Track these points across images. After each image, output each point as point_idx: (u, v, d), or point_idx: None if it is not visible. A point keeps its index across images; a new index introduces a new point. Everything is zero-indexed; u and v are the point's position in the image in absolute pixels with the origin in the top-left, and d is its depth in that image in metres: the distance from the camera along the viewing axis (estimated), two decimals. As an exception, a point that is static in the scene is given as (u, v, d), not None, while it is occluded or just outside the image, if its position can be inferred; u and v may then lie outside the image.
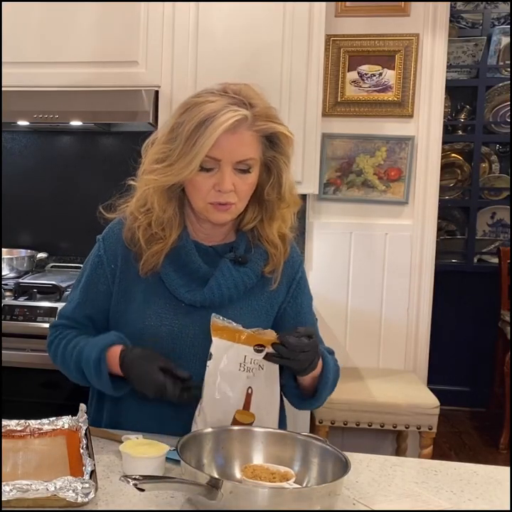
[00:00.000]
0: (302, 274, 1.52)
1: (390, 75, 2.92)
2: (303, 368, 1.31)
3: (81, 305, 1.49)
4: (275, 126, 1.34)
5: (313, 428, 2.61)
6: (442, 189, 3.72)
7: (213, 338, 1.31)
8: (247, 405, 1.29)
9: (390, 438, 3.00)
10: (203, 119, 1.28)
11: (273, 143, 1.35)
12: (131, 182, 1.45)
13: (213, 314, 1.33)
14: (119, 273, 1.45)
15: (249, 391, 1.29)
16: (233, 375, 1.29)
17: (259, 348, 1.29)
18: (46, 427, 1.34)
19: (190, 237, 1.42)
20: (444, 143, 3.15)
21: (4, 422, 1.33)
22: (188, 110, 1.32)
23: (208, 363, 1.30)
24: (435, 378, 3.21)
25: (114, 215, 1.48)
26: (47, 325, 2.32)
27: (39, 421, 1.35)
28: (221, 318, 1.32)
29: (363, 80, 2.94)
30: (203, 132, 1.27)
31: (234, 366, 1.29)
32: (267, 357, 1.29)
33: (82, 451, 1.22)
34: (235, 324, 1.31)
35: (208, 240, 1.45)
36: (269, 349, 1.29)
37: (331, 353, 1.51)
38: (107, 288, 1.47)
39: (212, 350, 1.30)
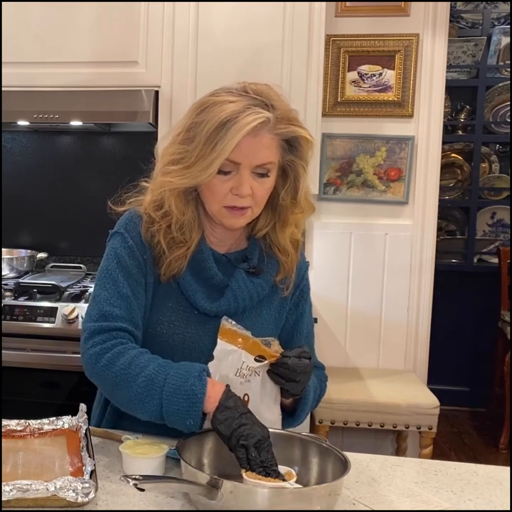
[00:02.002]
0: (306, 282, 1.50)
1: (390, 75, 2.92)
2: (300, 390, 1.31)
3: (130, 301, 1.33)
4: (297, 129, 1.29)
5: (313, 428, 2.61)
6: (442, 189, 3.72)
7: (218, 341, 1.30)
8: None
9: (390, 438, 3.00)
10: (224, 120, 1.23)
11: (292, 146, 1.31)
12: (144, 183, 1.41)
13: (224, 317, 1.31)
14: (146, 268, 1.36)
15: (246, 398, 1.28)
16: (229, 380, 1.28)
17: (259, 358, 1.28)
18: (46, 427, 1.34)
19: (207, 243, 1.39)
20: (444, 143, 3.16)
21: (4, 422, 1.33)
22: (207, 110, 1.27)
23: (209, 364, 1.29)
24: (435, 378, 3.21)
25: (124, 208, 1.41)
26: (47, 325, 2.33)
27: (39, 421, 1.35)
28: (231, 322, 1.31)
29: (363, 80, 2.94)
30: (225, 134, 1.22)
31: (230, 371, 1.28)
32: (270, 375, 1.29)
33: (82, 451, 1.22)
34: (244, 330, 1.30)
35: (220, 245, 1.41)
36: (270, 360, 1.28)
37: (322, 368, 1.50)
38: (143, 281, 1.35)
39: (215, 352, 1.30)
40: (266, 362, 1.28)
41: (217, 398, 1.17)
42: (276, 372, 1.27)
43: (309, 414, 2.52)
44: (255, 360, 1.28)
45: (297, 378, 1.26)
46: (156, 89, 2.53)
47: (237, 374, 1.28)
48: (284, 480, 1.11)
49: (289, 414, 1.39)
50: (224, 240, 1.42)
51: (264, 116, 1.24)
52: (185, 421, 1.18)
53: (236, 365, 1.28)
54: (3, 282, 2.55)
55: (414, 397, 2.67)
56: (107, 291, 1.33)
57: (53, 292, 2.46)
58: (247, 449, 1.11)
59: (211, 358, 1.30)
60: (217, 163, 1.24)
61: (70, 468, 1.19)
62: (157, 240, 1.35)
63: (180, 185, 1.30)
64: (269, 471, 1.11)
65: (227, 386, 1.20)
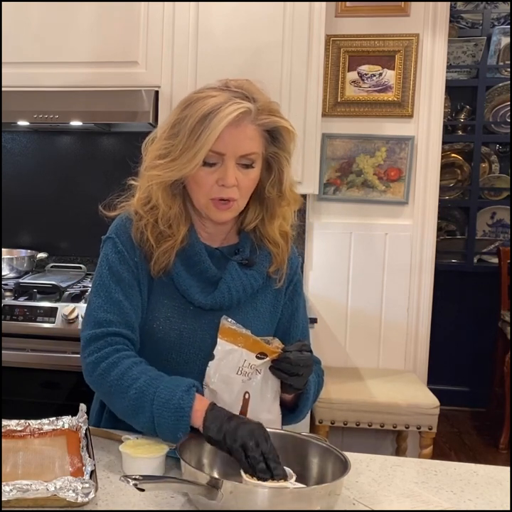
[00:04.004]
0: (299, 277, 1.53)
1: (390, 75, 2.92)
2: (303, 384, 1.31)
3: (123, 305, 1.35)
4: (278, 120, 1.32)
5: (313, 428, 2.61)
6: (442, 189, 3.72)
7: (219, 340, 1.30)
8: (244, 410, 1.29)
9: (390, 438, 3.00)
10: (206, 112, 1.26)
11: (275, 138, 1.34)
12: (132, 181, 1.43)
13: (224, 316, 1.32)
14: (137, 270, 1.39)
15: (247, 396, 1.29)
16: (229, 379, 1.29)
17: (261, 355, 1.28)
18: (46, 427, 1.34)
19: (199, 238, 1.41)
20: (444, 143, 3.16)
21: (4, 422, 1.33)
22: (190, 105, 1.30)
23: (210, 363, 1.30)
24: (435, 378, 3.21)
25: (115, 213, 1.44)
26: (47, 325, 2.33)
27: (39, 421, 1.35)
28: (231, 321, 1.31)
29: (363, 80, 2.94)
30: (208, 125, 1.25)
31: (231, 370, 1.29)
32: (272, 371, 1.29)
33: (82, 451, 1.22)
34: (244, 329, 1.30)
35: (212, 240, 1.43)
36: (272, 357, 1.28)
37: (318, 362, 1.50)
38: (136, 283, 1.38)
39: (215, 351, 1.30)
40: (267, 359, 1.28)
41: (204, 411, 1.18)
42: (279, 367, 1.28)
43: (309, 414, 2.53)
44: (257, 357, 1.28)
45: (300, 372, 1.27)
46: (156, 89, 2.53)
47: (239, 372, 1.29)
48: (285, 478, 1.10)
49: (291, 411, 1.40)
50: (215, 234, 1.43)
51: (245, 106, 1.27)
52: (176, 434, 1.20)
53: (237, 364, 1.29)
54: (3, 282, 2.55)
55: (414, 397, 2.67)
56: (101, 298, 1.36)
57: (53, 292, 2.46)
58: (244, 446, 1.10)
59: (211, 356, 1.31)
60: (202, 153, 1.27)
61: (70, 469, 1.19)
62: (146, 236, 1.37)
63: (167, 178, 1.32)
64: (270, 462, 1.09)
65: (212, 401, 1.22)
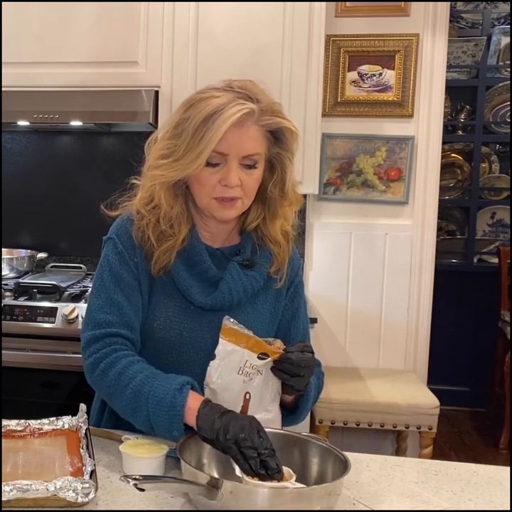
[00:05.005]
0: (300, 278, 1.53)
1: (390, 75, 2.92)
2: (304, 385, 1.31)
3: (122, 305, 1.36)
4: (281, 121, 1.33)
5: (313, 428, 2.61)
6: (442, 189, 3.72)
7: (220, 340, 1.30)
8: (244, 410, 1.29)
9: (390, 438, 3.00)
10: (210, 113, 1.26)
11: (278, 139, 1.34)
12: (135, 180, 1.43)
13: (226, 316, 1.32)
14: (138, 270, 1.39)
15: (247, 397, 1.29)
16: (231, 379, 1.29)
17: (262, 356, 1.28)
18: (46, 427, 1.34)
19: (201, 238, 1.41)
20: (444, 143, 3.16)
21: (4, 422, 1.33)
22: (193, 106, 1.30)
23: (211, 363, 1.30)
24: (435, 378, 3.21)
25: (117, 213, 1.44)
26: (47, 325, 2.33)
27: (39, 421, 1.35)
28: (233, 321, 1.31)
29: (363, 80, 2.94)
30: (211, 126, 1.26)
31: (233, 370, 1.29)
32: (273, 371, 1.29)
33: (82, 451, 1.23)
34: (245, 329, 1.30)
35: (213, 240, 1.43)
36: (273, 357, 1.28)
37: (318, 364, 1.49)
38: (136, 283, 1.38)
39: (216, 351, 1.30)
40: (269, 359, 1.28)
41: (197, 409, 1.18)
42: (280, 368, 1.28)
43: (309, 414, 2.52)
44: (258, 357, 1.28)
45: (301, 372, 1.27)
46: (156, 89, 2.53)
47: (240, 372, 1.29)
48: (280, 472, 1.09)
49: (291, 412, 1.40)
50: (217, 234, 1.43)
51: (249, 107, 1.27)
52: (171, 432, 1.20)
53: (238, 364, 1.29)
54: (3, 282, 2.55)
55: (414, 397, 2.67)
56: (101, 299, 1.37)
57: (53, 292, 2.46)
58: (237, 442, 1.10)
59: (212, 355, 1.31)
60: (205, 154, 1.27)
61: (70, 468, 1.19)
62: (147, 235, 1.37)
63: (170, 178, 1.33)
64: (263, 457, 1.08)
65: (206, 398, 1.22)
